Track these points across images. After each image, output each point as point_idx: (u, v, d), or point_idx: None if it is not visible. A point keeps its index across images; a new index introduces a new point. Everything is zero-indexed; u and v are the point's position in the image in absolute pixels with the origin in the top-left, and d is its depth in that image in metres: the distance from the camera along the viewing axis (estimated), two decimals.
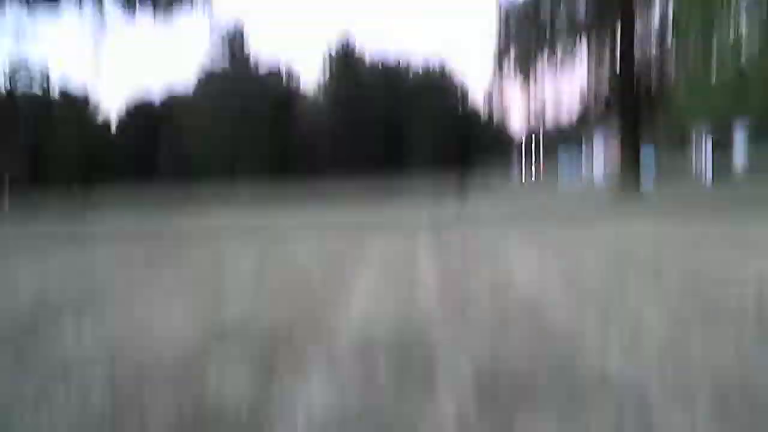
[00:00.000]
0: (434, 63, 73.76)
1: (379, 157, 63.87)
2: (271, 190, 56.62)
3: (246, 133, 65.46)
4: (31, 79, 65.90)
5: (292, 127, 66.87)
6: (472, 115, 65.93)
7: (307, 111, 69.96)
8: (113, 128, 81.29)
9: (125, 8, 17.84)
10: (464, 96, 72.06)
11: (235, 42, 68.14)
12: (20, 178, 63.68)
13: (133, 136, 75.63)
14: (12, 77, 62.67)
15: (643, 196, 31.87)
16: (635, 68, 32.37)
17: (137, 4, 17.76)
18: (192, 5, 18.24)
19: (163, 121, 73.64)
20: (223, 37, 65.79)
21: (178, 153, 69.66)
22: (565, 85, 33.26)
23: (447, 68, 73.36)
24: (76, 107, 71.12)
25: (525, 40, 30.34)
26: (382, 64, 70.78)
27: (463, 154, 63.88)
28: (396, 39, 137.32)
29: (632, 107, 32.20)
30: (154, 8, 17.73)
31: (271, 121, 65.64)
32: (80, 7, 17.44)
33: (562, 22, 30.08)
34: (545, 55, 31.01)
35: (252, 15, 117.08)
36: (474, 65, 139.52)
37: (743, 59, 27.03)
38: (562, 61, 31.32)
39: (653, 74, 32.96)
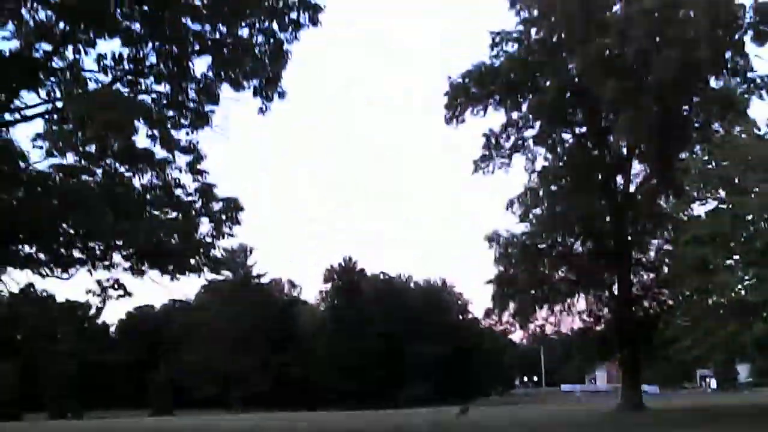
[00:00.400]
0: (435, 279, 75.02)
1: (380, 371, 63.37)
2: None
3: (244, 360, 65.19)
4: (37, 299, 66.10)
5: (291, 341, 66.64)
6: (472, 330, 66.02)
7: (307, 323, 70.05)
8: (112, 333, 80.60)
9: (133, 273, 18.14)
10: (464, 309, 72.60)
11: (238, 256, 69.15)
12: (12, 387, 62.73)
13: (131, 342, 74.92)
14: (16, 301, 63.03)
15: (645, 408, 31.46)
16: (633, 293, 32.59)
17: (144, 273, 18.09)
18: (199, 273, 18.54)
19: (162, 330, 73.33)
20: (227, 252, 66.90)
21: (176, 363, 68.89)
22: (566, 308, 33.29)
23: (447, 284, 74.53)
24: (75, 316, 70.76)
25: (523, 292, 30.62)
26: (383, 275, 71.63)
27: (464, 365, 63.40)
28: (397, 256, 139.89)
29: (630, 330, 32.11)
30: (162, 275, 18.05)
31: (270, 335, 65.58)
32: (91, 274, 17.72)
33: (560, 263, 30.52)
34: (543, 307, 31.32)
35: (256, 229, 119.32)
36: (474, 279, 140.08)
37: (741, 288, 27.14)
38: (562, 301, 31.56)
39: (650, 300, 33.21)
